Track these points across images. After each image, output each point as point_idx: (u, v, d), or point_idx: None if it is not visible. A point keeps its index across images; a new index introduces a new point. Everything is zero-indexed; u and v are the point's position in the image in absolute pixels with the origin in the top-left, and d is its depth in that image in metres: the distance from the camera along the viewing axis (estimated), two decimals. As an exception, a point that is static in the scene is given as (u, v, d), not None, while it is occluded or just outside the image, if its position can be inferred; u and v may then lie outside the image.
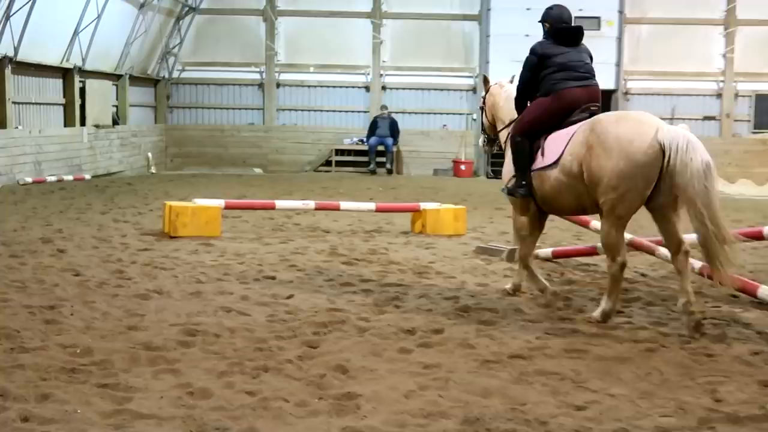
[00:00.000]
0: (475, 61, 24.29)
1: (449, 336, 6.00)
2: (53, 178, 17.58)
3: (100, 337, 5.71)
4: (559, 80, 7.07)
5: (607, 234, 6.45)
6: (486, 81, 8.55)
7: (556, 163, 6.75)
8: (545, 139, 6.95)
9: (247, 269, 8.48)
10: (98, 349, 5.36)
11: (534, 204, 7.17)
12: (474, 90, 24.35)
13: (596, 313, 6.56)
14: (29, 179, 16.87)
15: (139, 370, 5.02)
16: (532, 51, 7.37)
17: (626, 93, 24.16)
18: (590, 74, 7.16)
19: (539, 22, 7.51)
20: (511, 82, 8.30)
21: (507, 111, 7.90)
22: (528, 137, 7.07)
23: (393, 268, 8.80)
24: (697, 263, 7.41)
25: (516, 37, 23.64)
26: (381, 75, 24.65)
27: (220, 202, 10.93)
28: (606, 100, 23.91)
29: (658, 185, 6.24)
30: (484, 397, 4.72)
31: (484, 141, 8.45)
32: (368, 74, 24.62)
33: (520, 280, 7.59)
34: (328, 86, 24.67)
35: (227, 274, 8.18)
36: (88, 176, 18.97)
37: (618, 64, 23.67)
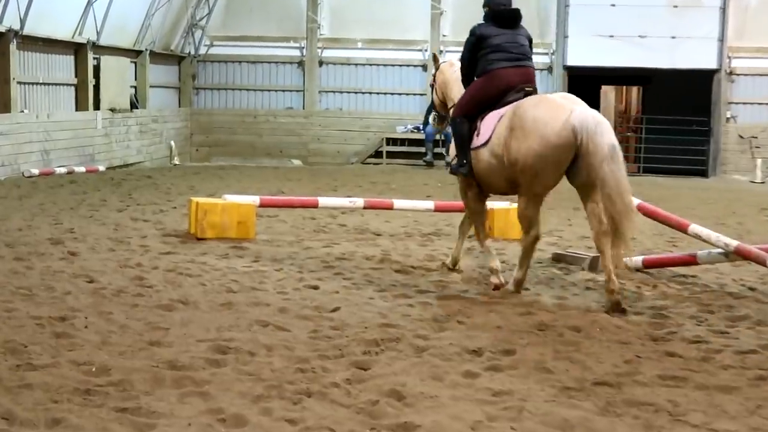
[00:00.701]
0: (551, 35, 24.18)
1: (522, 358, 5.97)
2: (63, 170, 17.86)
3: (118, 353, 5.77)
4: (492, 61, 8.34)
5: (524, 209, 8.03)
6: (435, 59, 9.99)
7: (486, 142, 8.07)
8: (481, 119, 8.20)
9: (286, 277, 8.52)
10: (116, 368, 5.42)
11: (475, 183, 8.49)
12: (550, 69, 24.22)
13: (510, 285, 7.98)
14: (36, 171, 17.16)
15: (162, 392, 5.07)
16: (472, 32, 8.75)
17: (730, 73, 23.84)
18: (525, 56, 8.49)
19: (482, 7, 8.95)
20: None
21: (456, 90, 9.03)
22: (467, 117, 8.34)
23: (455, 277, 8.78)
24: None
25: (600, 6, 23.56)
26: (441, 51, 24.60)
27: (254, 199, 11.00)
28: (707, 81, 23.64)
29: (576, 165, 7.61)
30: (563, 430, 4.69)
31: (434, 118, 9.66)
32: (426, 50, 24.61)
33: (458, 255, 9.09)
34: (378, 65, 24.74)
35: (263, 282, 8.23)
36: (102, 168, 19.24)
37: (721, 39, 23.41)
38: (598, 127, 7.43)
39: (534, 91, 8.30)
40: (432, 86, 9.70)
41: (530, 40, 8.77)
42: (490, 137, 8.00)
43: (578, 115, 7.51)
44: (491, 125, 8.03)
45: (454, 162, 8.57)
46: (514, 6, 8.85)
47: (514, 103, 7.96)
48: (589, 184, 7.67)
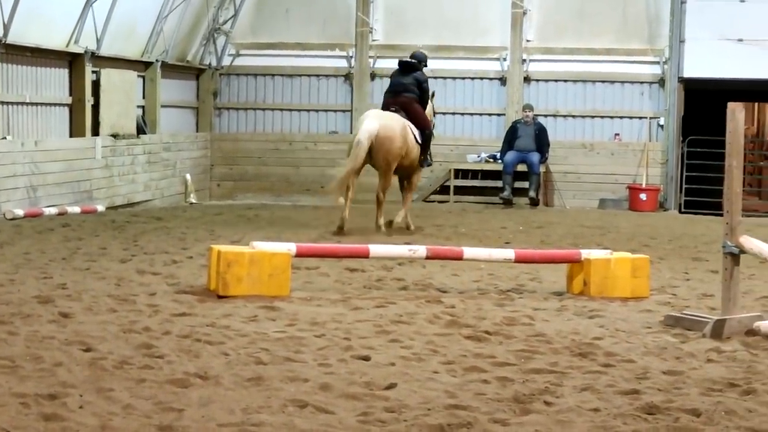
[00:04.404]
0: (663, 40, 24.14)
1: (626, 449, 5.95)
2: (53, 211, 18.07)
3: (121, 440, 5.83)
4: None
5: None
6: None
7: None
8: None
9: (329, 345, 8.55)
10: (118, 458, 5.48)
11: None
12: (662, 82, 24.16)
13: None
14: (20, 212, 17.35)
15: (175, 489, 5.11)
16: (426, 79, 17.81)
17: None
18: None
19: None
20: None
21: None
22: None
23: (542, 346, 8.75)
24: None
25: (726, 3, 23.47)
26: (524, 61, 24.71)
27: (289, 247, 11.07)
28: None
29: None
30: None
31: None
32: (505, 60, 24.71)
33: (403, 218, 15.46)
34: (445, 77, 24.86)
35: (300, 352, 8.26)
36: (101, 208, 19.46)
37: None
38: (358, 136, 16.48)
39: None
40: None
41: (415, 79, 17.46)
42: None
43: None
44: None
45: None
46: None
47: None
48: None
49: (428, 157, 17.77)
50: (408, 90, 17.23)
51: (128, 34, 21.44)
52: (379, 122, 16.54)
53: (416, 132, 17.17)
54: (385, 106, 17.24)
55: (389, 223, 17.12)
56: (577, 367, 8.03)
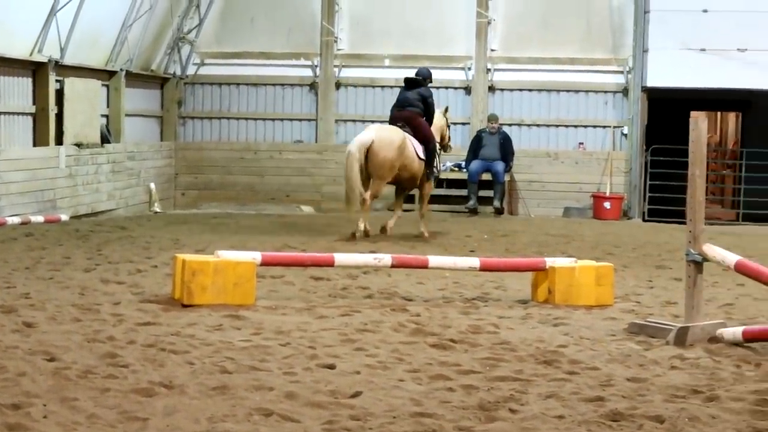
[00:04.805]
0: (627, 50, 24.28)
1: (590, 456, 5.98)
2: (16, 220, 17.98)
3: (85, 449, 5.81)
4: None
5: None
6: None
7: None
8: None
9: (294, 353, 8.54)
10: (82, 468, 5.46)
11: None
12: (626, 91, 24.29)
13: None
14: (-17, 221, 17.29)
15: (140, 498, 5.10)
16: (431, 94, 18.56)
17: None
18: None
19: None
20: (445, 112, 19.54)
21: None
22: None
23: (506, 354, 8.78)
24: None
25: (689, 13, 23.62)
26: (488, 70, 24.79)
27: (254, 256, 11.06)
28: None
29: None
30: None
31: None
32: (470, 69, 24.79)
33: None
34: (410, 87, 24.86)
35: (265, 360, 8.26)
36: (65, 217, 19.36)
37: None
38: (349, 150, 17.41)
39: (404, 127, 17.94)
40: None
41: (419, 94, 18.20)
42: None
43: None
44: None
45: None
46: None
47: None
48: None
49: (434, 168, 18.36)
50: (412, 105, 17.97)
51: (92, 43, 21.37)
52: (375, 134, 17.37)
53: (417, 146, 17.76)
54: (392, 121, 18.03)
55: (383, 229, 17.87)
56: (542, 374, 8.06)
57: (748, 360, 8.73)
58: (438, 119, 18.82)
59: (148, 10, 22.58)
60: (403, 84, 18.65)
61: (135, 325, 9.49)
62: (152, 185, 23.71)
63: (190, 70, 25.36)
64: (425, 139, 17.96)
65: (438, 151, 18.62)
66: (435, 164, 18.46)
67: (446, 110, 19.61)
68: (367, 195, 17.28)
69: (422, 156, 17.87)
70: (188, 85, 25.47)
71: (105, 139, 21.91)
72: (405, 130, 17.71)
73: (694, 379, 7.95)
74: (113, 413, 6.56)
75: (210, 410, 6.69)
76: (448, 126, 19.65)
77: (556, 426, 6.58)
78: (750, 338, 9.21)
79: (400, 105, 18.17)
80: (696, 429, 6.60)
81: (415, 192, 19.63)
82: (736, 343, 9.20)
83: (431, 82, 18.81)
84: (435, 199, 24.05)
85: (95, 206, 21.27)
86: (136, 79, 23.48)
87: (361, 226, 17.22)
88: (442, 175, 24.24)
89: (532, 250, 16.50)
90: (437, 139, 18.58)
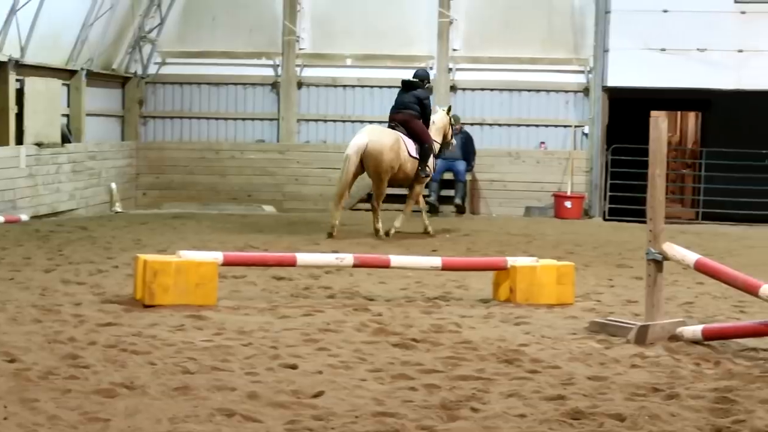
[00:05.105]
0: (588, 50, 24.36)
1: (552, 454, 6.00)
2: (-24, 220, 17.90)
3: (46, 451, 5.79)
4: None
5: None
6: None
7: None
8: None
9: (256, 353, 8.54)
10: (43, 469, 5.44)
11: None
12: (587, 91, 24.39)
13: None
14: (-57, 221, 17.18)
15: (101, 500, 5.09)
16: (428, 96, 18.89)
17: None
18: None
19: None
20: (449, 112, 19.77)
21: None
22: None
23: (468, 353, 8.81)
24: None
25: (649, 13, 23.74)
26: (450, 70, 24.83)
27: (216, 256, 11.04)
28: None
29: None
30: None
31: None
32: (432, 69, 24.76)
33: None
34: (372, 86, 24.90)
35: (227, 360, 8.25)
36: (25, 217, 19.26)
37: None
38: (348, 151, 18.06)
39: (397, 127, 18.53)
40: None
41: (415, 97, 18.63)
42: None
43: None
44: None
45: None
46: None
47: None
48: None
49: (425, 168, 18.60)
50: (408, 107, 18.49)
51: (53, 42, 21.26)
52: (369, 137, 18.00)
53: (410, 146, 18.30)
54: (389, 122, 18.70)
55: (386, 233, 18.19)
56: (504, 373, 8.09)
57: (707, 358, 8.80)
58: (441, 118, 19.37)
59: (109, 9, 22.47)
60: (400, 86, 19.10)
61: (96, 326, 9.46)
62: (113, 185, 23.60)
63: (152, 70, 25.24)
64: (421, 140, 18.46)
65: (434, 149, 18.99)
66: (426, 164, 18.71)
67: (449, 110, 19.95)
68: (374, 201, 18.40)
69: (416, 155, 18.36)
70: (149, 85, 25.36)
71: (66, 139, 21.78)
72: (399, 131, 18.30)
73: (655, 378, 8.01)
74: (74, 414, 6.54)
75: (172, 411, 6.68)
76: (452, 125, 19.99)
77: (517, 425, 6.62)
78: (709, 336, 9.29)
79: (396, 107, 18.70)
80: (656, 427, 6.65)
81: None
82: (695, 342, 9.27)
83: (429, 83, 19.45)
84: (397, 199, 24.11)
85: (56, 206, 21.15)
86: (97, 78, 23.36)
87: (335, 222, 17.85)
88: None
89: (493, 249, 16.54)
90: (439, 138, 19.18)
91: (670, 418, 6.85)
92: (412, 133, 18.40)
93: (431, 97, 19.35)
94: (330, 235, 17.65)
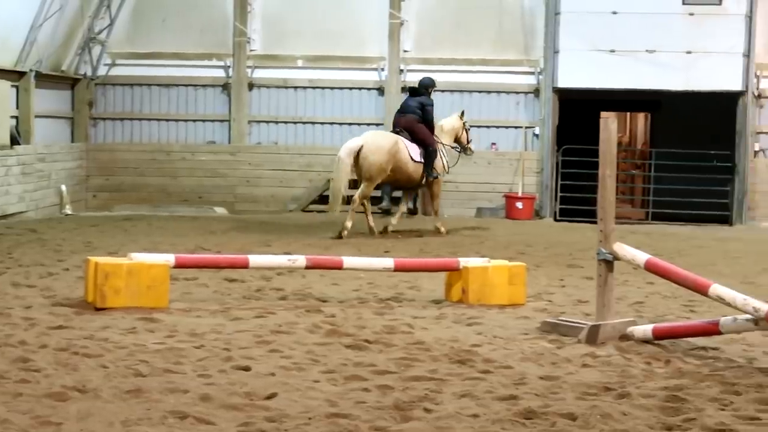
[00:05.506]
0: (538, 51, 24.47)
1: (504, 454, 6.03)
2: (-76, 223, 17.75)
3: (-3, 455, 5.76)
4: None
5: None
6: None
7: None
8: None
9: (209, 355, 8.53)
10: (-5, 474, 5.42)
11: None
12: (537, 92, 24.50)
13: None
14: None
15: (54, 504, 5.06)
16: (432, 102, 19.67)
17: (759, 96, 24.21)
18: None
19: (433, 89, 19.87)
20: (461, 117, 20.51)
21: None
22: None
23: (421, 353, 8.83)
24: None
25: (598, 14, 23.88)
26: (401, 71, 24.85)
27: (167, 258, 11.01)
28: (730, 106, 23.96)
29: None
30: None
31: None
32: (383, 70, 24.83)
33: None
34: (324, 87, 24.91)
35: (179, 363, 8.23)
36: (-26, 219, 19.13)
37: (747, 55, 23.76)
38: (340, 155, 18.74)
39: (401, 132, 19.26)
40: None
41: (419, 103, 19.45)
42: None
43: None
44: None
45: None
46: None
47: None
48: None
49: (429, 170, 19.27)
50: (411, 112, 19.40)
51: (1, 44, 21.10)
52: (364, 140, 18.88)
53: (412, 149, 19.09)
54: (393, 127, 19.65)
55: (384, 229, 19.22)
56: (456, 374, 8.12)
57: (658, 357, 8.88)
58: (452, 122, 20.25)
59: (59, 10, 22.33)
60: (408, 92, 20.50)
61: (47, 329, 9.41)
62: (63, 187, 23.45)
63: (102, 71, 25.09)
64: (423, 143, 19.22)
65: (442, 151, 19.70)
66: (442, 164, 19.63)
67: (462, 114, 20.56)
68: (356, 198, 18.82)
69: (417, 158, 19.08)
70: (99, 86, 25.20)
71: (14, 141, 21.63)
72: (402, 135, 19.13)
73: (606, 377, 8.07)
74: (26, 418, 6.50)
75: (124, 414, 6.66)
76: (466, 129, 20.54)
77: (470, 425, 6.64)
78: (660, 336, 9.36)
79: (401, 111, 19.67)
80: (608, 426, 6.70)
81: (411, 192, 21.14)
82: (646, 341, 9.34)
83: (435, 88, 20.18)
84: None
85: (5, 209, 20.99)
86: (46, 80, 23.21)
87: (348, 224, 18.44)
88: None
89: (445, 250, 16.59)
90: (447, 141, 19.98)
91: (621, 416, 6.90)
92: (415, 137, 19.22)
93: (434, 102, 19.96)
94: (339, 236, 18.22)
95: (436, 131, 19.71)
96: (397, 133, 19.19)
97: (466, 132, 20.50)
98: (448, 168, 20.09)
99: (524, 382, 7.89)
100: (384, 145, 18.78)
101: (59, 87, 24.37)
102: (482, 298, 11.40)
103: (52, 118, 23.97)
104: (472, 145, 20.67)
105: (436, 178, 19.67)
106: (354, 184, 19.49)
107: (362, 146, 18.65)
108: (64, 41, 23.73)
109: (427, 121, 19.47)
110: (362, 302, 11.56)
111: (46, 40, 22.52)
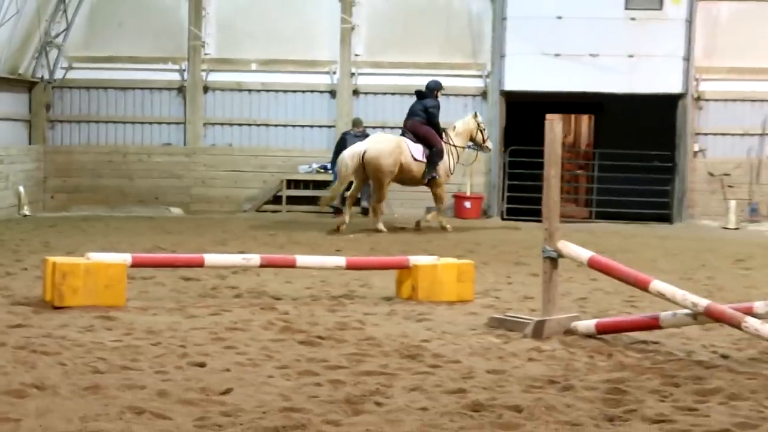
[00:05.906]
0: (485, 55, 24.59)
1: (453, 446, 6.07)
2: None
3: (-42, 451, 5.74)
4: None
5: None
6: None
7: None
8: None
9: (165, 352, 8.51)
10: (-45, 470, 5.40)
11: None
12: (485, 94, 24.59)
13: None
14: None
15: (14, 498, 5.06)
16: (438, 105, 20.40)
17: (698, 98, 24.45)
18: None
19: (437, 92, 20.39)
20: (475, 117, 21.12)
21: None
22: None
23: (372, 349, 8.85)
24: None
25: (544, 19, 24.04)
26: (352, 74, 24.89)
27: (124, 258, 10.98)
28: (670, 108, 24.18)
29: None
30: None
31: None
32: (334, 73, 24.86)
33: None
34: (277, 90, 24.91)
35: (136, 359, 8.22)
36: (-67, 221, 18.98)
37: (687, 58, 23.99)
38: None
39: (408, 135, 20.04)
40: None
41: (423, 105, 20.09)
42: None
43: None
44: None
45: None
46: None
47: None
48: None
49: (431, 170, 19.91)
50: (417, 114, 20.15)
51: (-41, 47, 20.96)
52: (368, 144, 19.71)
53: (415, 150, 19.83)
54: (402, 129, 20.42)
55: (417, 223, 20.45)
56: (406, 368, 8.16)
57: (600, 351, 8.95)
58: (466, 123, 20.87)
59: (15, 14, 22.17)
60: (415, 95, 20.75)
61: (6, 328, 9.35)
62: (21, 189, 23.30)
63: (59, 74, 24.98)
64: (428, 144, 19.94)
65: (450, 153, 20.32)
66: (446, 166, 20.26)
67: (475, 115, 21.13)
68: (374, 203, 20.23)
69: (420, 157, 19.80)
70: (56, 89, 25.08)
71: (-27, 143, 21.49)
72: (407, 137, 19.93)
73: (551, 370, 8.13)
74: (-15, 415, 6.48)
75: (82, 410, 6.65)
76: (481, 129, 20.96)
77: (420, 417, 6.68)
78: (602, 330, 9.45)
79: (408, 114, 20.37)
80: (552, 417, 6.76)
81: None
82: (589, 335, 9.42)
83: (441, 90, 20.69)
84: (302, 201, 24.15)
85: (-37, 210, 20.86)
86: (3, 83, 23.05)
87: (346, 219, 19.47)
88: (307, 177, 24.40)
89: (396, 248, 16.63)
90: (461, 142, 20.65)
91: (565, 408, 6.96)
92: (420, 138, 19.89)
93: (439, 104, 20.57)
94: (337, 230, 19.19)
95: (449, 132, 20.42)
96: (403, 134, 19.97)
97: (482, 132, 20.86)
98: (453, 170, 20.60)
99: (472, 375, 7.94)
100: (386, 148, 19.48)
101: (16, 90, 24.21)
102: (432, 295, 11.44)
103: (9, 121, 23.82)
104: (489, 143, 21.26)
105: (434, 178, 20.01)
106: (348, 185, 20.02)
107: (365, 151, 19.30)
108: (21, 45, 23.58)
109: (431, 123, 20.02)
110: (315, 300, 11.57)
111: (3, 44, 22.36)
